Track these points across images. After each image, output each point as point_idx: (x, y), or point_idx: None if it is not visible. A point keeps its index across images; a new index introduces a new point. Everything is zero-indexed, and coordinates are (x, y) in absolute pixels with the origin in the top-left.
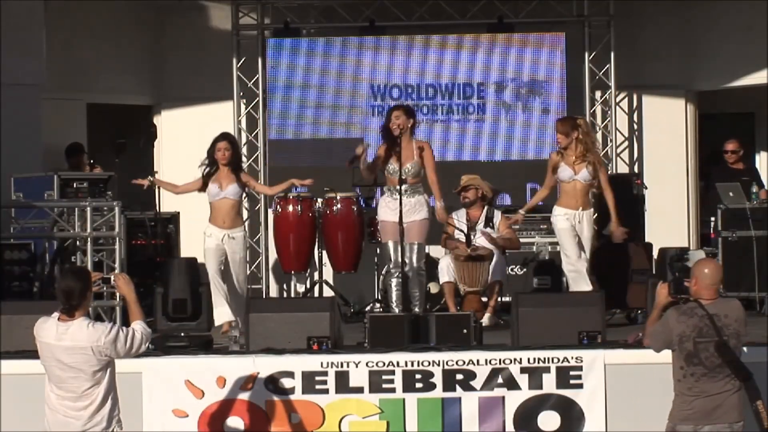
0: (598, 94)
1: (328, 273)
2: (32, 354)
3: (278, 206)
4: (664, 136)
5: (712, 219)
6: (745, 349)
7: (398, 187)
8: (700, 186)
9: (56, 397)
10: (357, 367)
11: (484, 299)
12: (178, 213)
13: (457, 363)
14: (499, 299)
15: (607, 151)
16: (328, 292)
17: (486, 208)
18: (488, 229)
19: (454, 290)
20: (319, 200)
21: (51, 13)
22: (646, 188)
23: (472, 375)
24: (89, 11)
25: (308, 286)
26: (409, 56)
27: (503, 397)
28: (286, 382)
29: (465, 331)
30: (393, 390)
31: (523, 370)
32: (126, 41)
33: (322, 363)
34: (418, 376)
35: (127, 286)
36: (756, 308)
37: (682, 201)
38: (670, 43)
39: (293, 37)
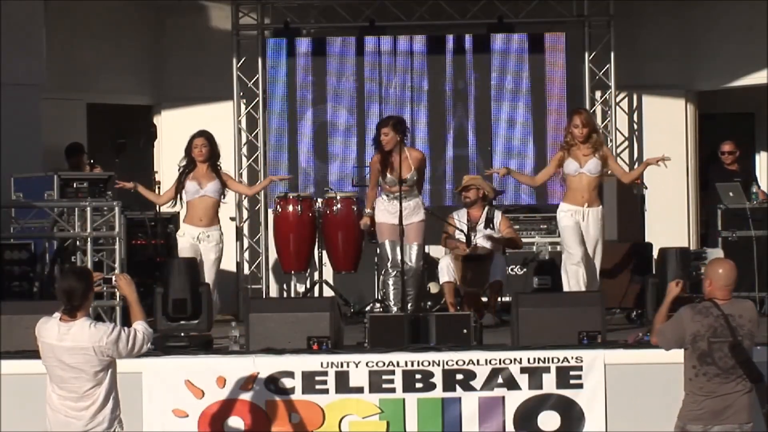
0: (598, 94)
1: (328, 273)
2: (32, 354)
3: (278, 206)
4: (664, 136)
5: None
6: (758, 347)
7: (395, 194)
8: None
9: (58, 398)
10: (357, 367)
11: (484, 299)
12: (178, 213)
13: (457, 363)
14: (499, 299)
15: None
16: (328, 292)
17: (487, 208)
18: (489, 230)
19: (454, 290)
20: (319, 200)
21: (51, 13)
22: (646, 188)
23: (472, 375)
24: (89, 11)
25: (308, 286)
26: (409, 56)
27: (503, 397)
28: (286, 382)
29: (465, 331)
30: (393, 390)
31: (523, 370)
32: (126, 41)
33: (322, 363)
34: (418, 376)
35: (129, 286)
36: (756, 308)
37: (682, 201)
38: (670, 43)
39: (293, 37)
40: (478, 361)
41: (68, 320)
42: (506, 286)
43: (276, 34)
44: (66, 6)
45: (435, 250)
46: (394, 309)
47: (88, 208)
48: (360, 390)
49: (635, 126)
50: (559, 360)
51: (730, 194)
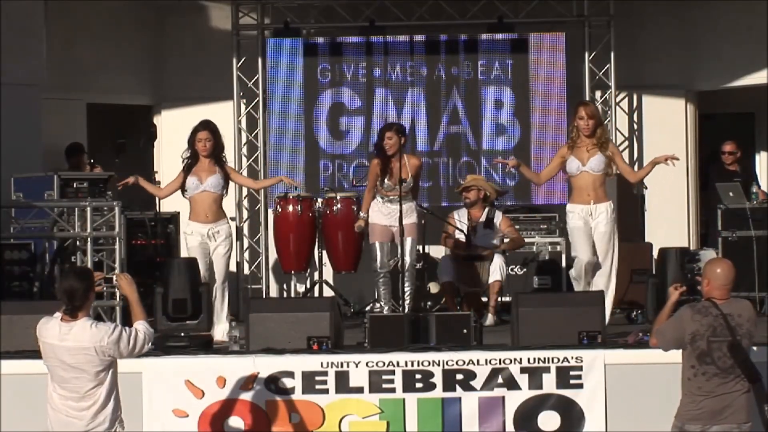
0: (598, 94)
1: (328, 273)
2: (32, 354)
3: (278, 206)
4: (664, 136)
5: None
6: (755, 348)
7: (390, 197)
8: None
9: (59, 397)
10: (357, 367)
11: (484, 299)
12: (178, 213)
13: (457, 363)
14: (499, 299)
15: None
16: (328, 292)
17: (487, 209)
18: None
19: (454, 290)
20: (319, 200)
21: (51, 13)
22: (646, 188)
23: (472, 375)
24: (89, 11)
25: (308, 286)
26: (409, 56)
27: (503, 397)
28: (287, 382)
29: (465, 331)
30: (393, 390)
31: (523, 370)
32: (126, 41)
33: (322, 363)
34: (418, 376)
35: (130, 286)
36: (756, 308)
37: (682, 201)
38: (670, 43)
39: (293, 37)
40: (478, 361)
41: (69, 320)
42: (506, 286)
43: (276, 34)
44: (66, 6)
45: (435, 250)
46: (386, 309)
47: (88, 208)
48: (360, 390)
49: (635, 126)
50: (559, 360)
51: (730, 194)
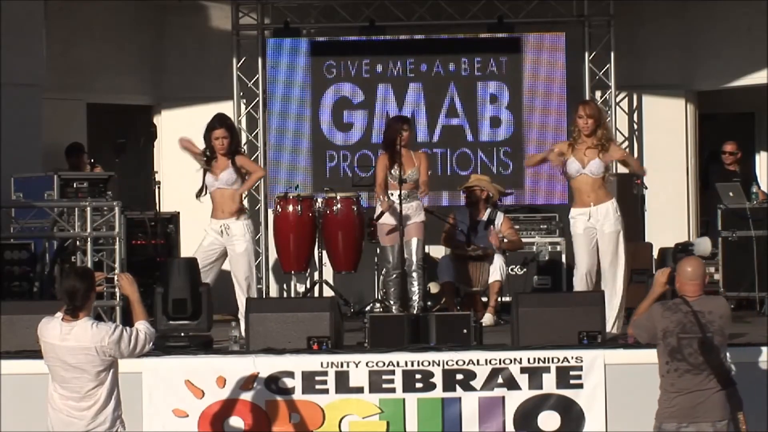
0: (598, 94)
1: (328, 273)
2: (32, 354)
3: (278, 206)
4: (664, 136)
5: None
6: (729, 356)
7: (399, 191)
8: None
9: (60, 397)
10: (357, 367)
11: (484, 299)
12: (178, 213)
13: (457, 363)
14: (499, 299)
15: None
16: (328, 292)
17: (489, 209)
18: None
19: (454, 290)
20: (319, 200)
21: (51, 13)
22: (646, 188)
23: (472, 375)
24: (89, 11)
25: (308, 286)
26: (409, 55)
27: (503, 397)
28: (287, 382)
29: (465, 331)
30: (393, 390)
31: (523, 370)
32: (126, 41)
33: (322, 363)
34: (418, 376)
35: (131, 286)
36: (756, 308)
37: (682, 201)
38: (670, 43)
39: (293, 37)
40: (478, 361)
41: (70, 320)
42: (506, 286)
43: (276, 34)
44: (66, 6)
45: (435, 250)
46: (394, 308)
47: (88, 208)
48: (360, 390)
49: (635, 126)
50: (559, 360)
51: (730, 194)
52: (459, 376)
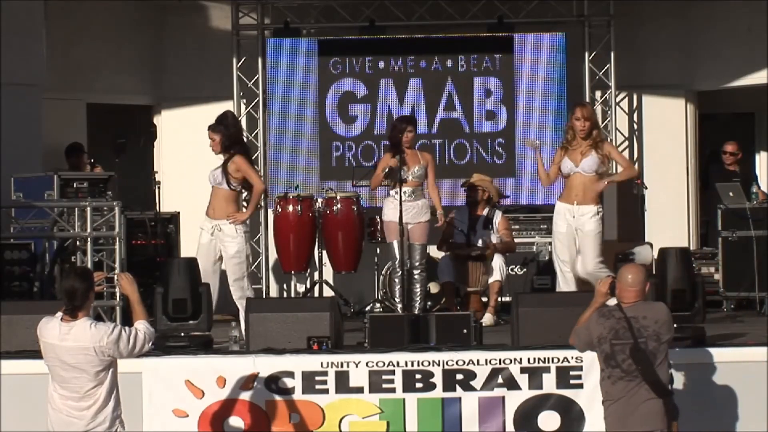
0: (598, 94)
1: (328, 273)
2: (32, 354)
3: (278, 206)
4: (664, 136)
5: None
6: (673, 372)
7: (403, 190)
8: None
9: (59, 397)
10: (357, 367)
11: (484, 299)
12: (178, 213)
13: (457, 363)
14: (499, 299)
15: None
16: (328, 292)
17: (488, 210)
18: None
19: (454, 290)
20: (319, 200)
21: (51, 13)
22: (646, 188)
23: (472, 375)
24: (89, 11)
25: (308, 286)
26: (409, 56)
27: (503, 397)
28: (287, 382)
29: (465, 331)
30: (393, 390)
31: (523, 370)
32: (126, 41)
33: (322, 363)
34: (418, 376)
35: (131, 285)
36: (756, 308)
37: (682, 201)
38: (670, 43)
39: (293, 37)
40: (478, 361)
41: (69, 320)
42: (506, 286)
43: (276, 34)
44: (66, 6)
45: (435, 250)
46: (399, 307)
47: (88, 208)
48: (360, 390)
49: (635, 126)
50: (559, 360)
51: (730, 194)
52: (459, 376)
